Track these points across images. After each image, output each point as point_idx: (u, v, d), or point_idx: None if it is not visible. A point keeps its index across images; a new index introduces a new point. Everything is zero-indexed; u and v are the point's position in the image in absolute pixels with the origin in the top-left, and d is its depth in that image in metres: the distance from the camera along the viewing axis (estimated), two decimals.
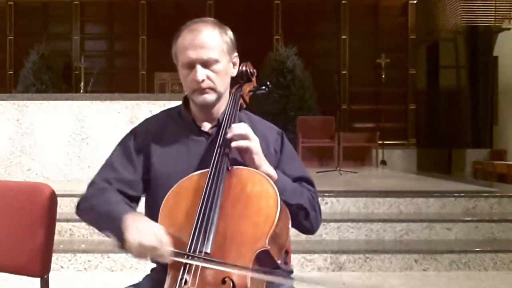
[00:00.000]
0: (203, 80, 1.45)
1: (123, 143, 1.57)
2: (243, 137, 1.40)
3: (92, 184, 1.49)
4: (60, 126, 5.55)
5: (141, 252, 1.23)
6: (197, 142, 1.53)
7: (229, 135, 1.40)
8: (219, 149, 1.42)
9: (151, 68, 10.44)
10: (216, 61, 1.46)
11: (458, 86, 11.33)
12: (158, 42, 10.23)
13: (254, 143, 1.41)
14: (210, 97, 1.48)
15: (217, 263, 1.23)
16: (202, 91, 1.47)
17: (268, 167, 1.43)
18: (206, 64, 1.45)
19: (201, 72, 1.44)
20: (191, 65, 1.46)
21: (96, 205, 1.40)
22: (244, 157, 1.42)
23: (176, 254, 1.25)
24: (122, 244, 1.26)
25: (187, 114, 1.56)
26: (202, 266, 1.23)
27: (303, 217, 1.50)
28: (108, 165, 1.53)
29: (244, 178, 1.38)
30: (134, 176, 1.51)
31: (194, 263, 1.24)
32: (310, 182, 1.58)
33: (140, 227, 1.25)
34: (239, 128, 1.41)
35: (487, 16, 10.40)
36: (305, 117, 8.62)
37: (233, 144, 1.39)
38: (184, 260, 1.24)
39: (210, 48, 1.45)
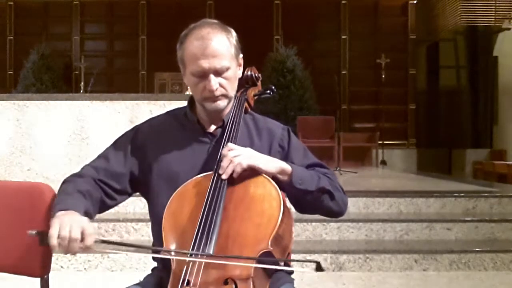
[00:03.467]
0: (216, 89, 1.45)
1: (123, 137, 1.59)
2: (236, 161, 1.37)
3: (82, 168, 1.52)
4: (60, 126, 5.55)
5: (63, 244, 1.20)
6: (201, 143, 1.53)
7: (223, 177, 1.37)
8: (221, 155, 1.41)
9: (151, 68, 10.43)
10: (228, 68, 1.46)
11: (458, 86, 11.32)
12: (158, 42, 10.24)
13: (249, 159, 1.38)
14: (222, 103, 1.49)
15: (215, 258, 1.23)
16: (215, 98, 1.47)
17: (278, 164, 1.42)
18: (219, 72, 1.45)
19: (214, 82, 1.44)
20: (203, 75, 1.45)
21: (60, 190, 1.42)
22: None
23: (104, 242, 1.25)
24: (44, 239, 1.22)
25: (192, 115, 1.56)
26: (204, 268, 1.24)
27: (329, 199, 1.47)
28: (102, 155, 1.55)
29: (247, 180, 1.38)
30: (123, 169, 1.51)
31: (186, 259, 1.25)
32: (323, 166, 1.57)
33: (63, 222, 1.22)
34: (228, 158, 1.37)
35: (487, 16, 10.41)
36: (305, 117, 8.62)
37: (236, 169, 1.37)
38: (176, 257, 1.25)
39: (222, 57, 1.44)
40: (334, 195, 1.47)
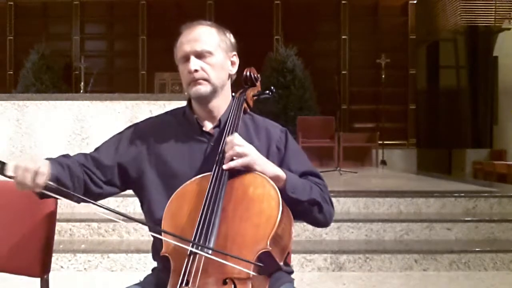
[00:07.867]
0: (196, 70, 1.47)
1: (120, 132, 1.61)
2: (239, 155, 1.39)
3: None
4: (60, 126, 5.55)
5: (17, 172, 1.26)
6: (199, 142, 1.53)
7: (225, 163, 1.39)
8: (221, 154, 1.42)
9: (151, 68, 10.44)
10: (210, 53, 1.48)
11: (458, 86, 11.34)
12: (158, 42, 10.24)
13: (250, 158, 1.39)
14: (204, 88, 1.49)
15: (217, 254, 1.23)
16: (196, 82, 1.48)
17: (274, 169, 1.42)
18: (200, 55, 1.48)
19: (193, 63, 1.47)
20: (186, 58, 1.49)
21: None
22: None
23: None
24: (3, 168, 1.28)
25: (191, 114, 1.57)
26: (203, 268, 1.24)
27: (317, 211, 1.49)
28: (98, 147, 1.58)
29: (246, 181, 1.38)
30: (110, 163, 1.52)
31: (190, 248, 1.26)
32: (317, 175, 1.58)
33: (25, 158, 1.31)
34: (233, 149, 1.39)
35: (487, 16, 10.42)
36: (305, 117, 8.61)
37: (230, 165, 1.38)
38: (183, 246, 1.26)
39: (204, 41, 1.49)
40: (323, 207, 1.49)
